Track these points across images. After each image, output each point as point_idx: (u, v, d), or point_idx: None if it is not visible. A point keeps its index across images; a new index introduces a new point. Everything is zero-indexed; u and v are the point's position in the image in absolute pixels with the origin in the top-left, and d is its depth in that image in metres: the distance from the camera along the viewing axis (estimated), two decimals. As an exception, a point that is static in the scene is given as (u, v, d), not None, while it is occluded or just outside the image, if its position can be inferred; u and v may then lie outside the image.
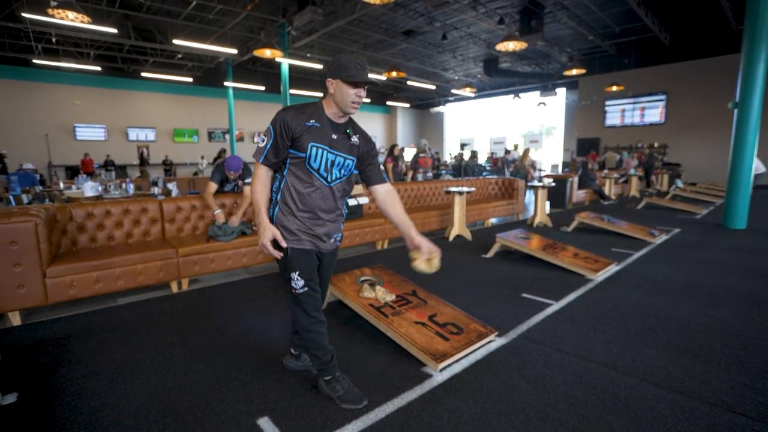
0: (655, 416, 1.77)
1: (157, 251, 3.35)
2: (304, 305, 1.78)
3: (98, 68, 15.28)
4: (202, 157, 16.36)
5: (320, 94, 20.03)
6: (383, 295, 2.74)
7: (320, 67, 15.56)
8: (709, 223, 6.81)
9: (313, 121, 1.68)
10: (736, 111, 6.14)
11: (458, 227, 5.75)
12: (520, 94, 20.58)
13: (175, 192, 6.29)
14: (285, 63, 14.11)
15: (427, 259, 1.73)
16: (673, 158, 16.17)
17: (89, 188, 5.67)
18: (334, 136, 1.71)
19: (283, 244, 1.71)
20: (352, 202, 5.04)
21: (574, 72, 13.45)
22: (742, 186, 6.16)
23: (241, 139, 19.58)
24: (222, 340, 2.50)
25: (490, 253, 4.70)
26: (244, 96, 19.10)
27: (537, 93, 21.05)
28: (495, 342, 2.48)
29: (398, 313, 2.59)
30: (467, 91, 18.75)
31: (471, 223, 6.72)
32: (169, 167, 15.13)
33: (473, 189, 5.98)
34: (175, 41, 11.58)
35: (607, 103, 18.41)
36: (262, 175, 1.71)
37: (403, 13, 13.12)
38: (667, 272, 3.95)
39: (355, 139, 1.78)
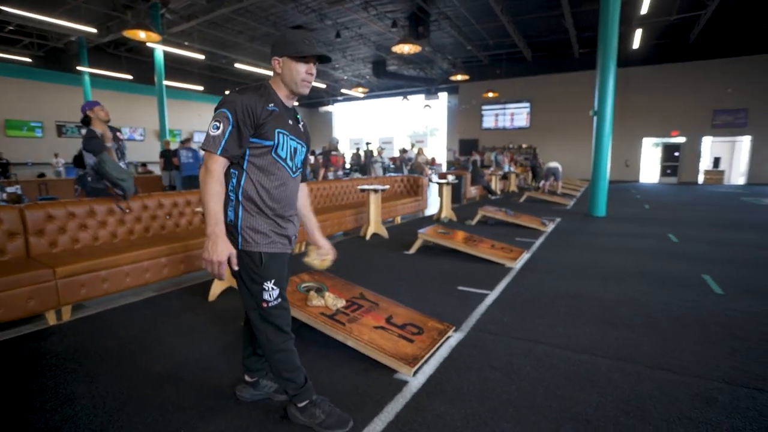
0: (615, 385, 1.93)
1: (24, 274, 2.57)
2: (277, 320, 1.51)
3: None
4: (56, 155, 13.51)
5: (200, 88, 18.23)
6: (333, 301, 2.53)
7: (201, 57, 14.13)
8: (578, 212, 8.00)
9: (272, 104, 1.44)
10: (595, 118, 7.30)
11: (374, 225, 5.72)
12: (408, 97, 21.58)
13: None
14: (159, 49, 12.44)
15: (322, 258, 1.79)
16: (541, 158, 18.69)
17: None
18: (290, 122, 1.52)
19: (235, 268, 1.43)
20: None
21: (459, 77, 14.62)
22: (601, 181, 7.36)
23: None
24: (145, 377, 2.01)
25: (413, 250, 4.76)
26: (107, 85, 16.33)
27: (422, 96, 22.40)
28: (454, 337, 2.47)
29: (354, 320, 2.40)
30: (359, 92, 18.98)
31: (382, 221, 6.76)
32: (4, 168, 12.03)
33: (387, 187, 6.02)
34: (3, 7, 9.20)
35: (484, 107, 20.45)
36: (219, 172, 1.40)
37: (294, 6, 12.64)
38: (567, 257, 4.48)
39: (301, 124, 1.61)
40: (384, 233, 5.70)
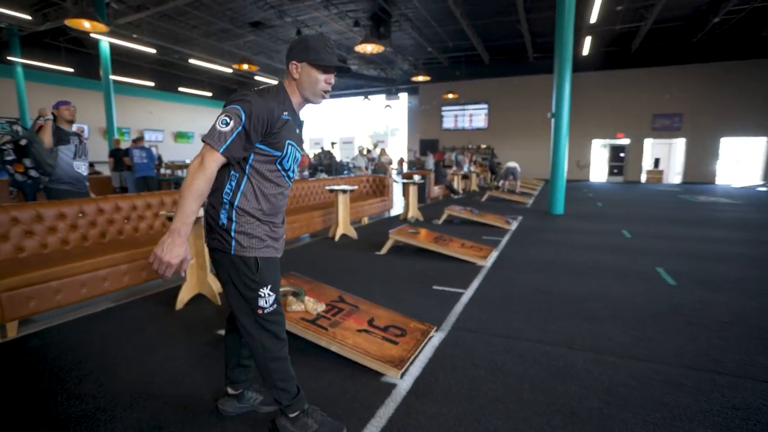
0: (594, 377, 2.01)
1: (-39, 287, 2.30)
2: (274, 328, 1.44)
3: None
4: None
5: (151, 84, 17.28)
6: (313, 305, 2.46)
7: (152, 51, 13.38)
8: (538, 210, 8.33)
9: (287, 113, 1.38)
10: (553, 120, 7.64)
11: (343, 226, 5.65)
12: (369, 97, 21.58)
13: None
14: (105, 41, 11.63)
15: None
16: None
17: None
18: (298, 131, 1.47)
19: (182, 274, 1.34)
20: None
21: (421, 78, 14.80)
22: (559, 180, 7.71)
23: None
24: (113, 396, 1.85)
25: (384, 250, 4.74)
26: (44, 78, 15.06)
27: (383, 96, 22.49)
28: (436, 337, 2.48)
29: (336, 324, 2.35)
30: (320, 91, 18.73)
31: (350, 222, 6.70)
32: None
33: (356, 187, 5.97)
34: None
35: (443, 108, 20.83)
36: (213, 171, 1.28)
37: (252, 2, 12.28)
38: (534, 253, 4.65)
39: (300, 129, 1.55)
40: (353, 234, 5.65)
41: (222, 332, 2.51)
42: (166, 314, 2.82)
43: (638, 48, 16.50)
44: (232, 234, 1.36)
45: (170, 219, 3.35)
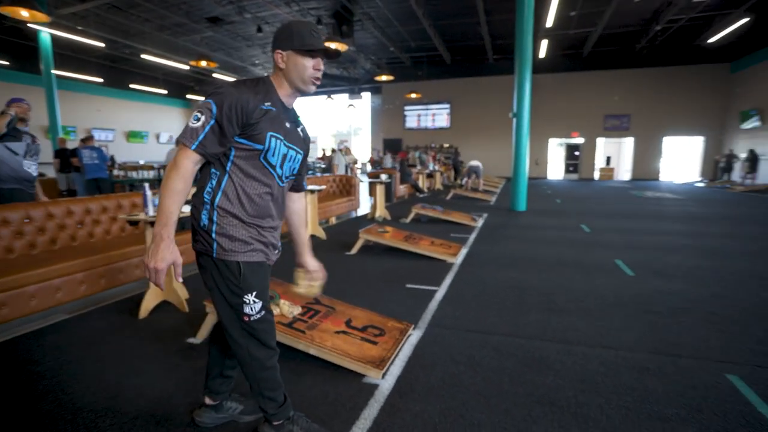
0: (567, 367, 2.09)
1: None
2: (262, 336, 1.38)
3: None
4: None
5: (99, 80, 16.31)
6: (289, 308, 2.40)
7: (100, 45, 12.59)
8: (502, 208, 8.58)
9: (269, 103, 1.30)
10: (514, 120, 7.89)
11: (312, 227, 5.57)
12: (332, 96, 21.40)
13: None
14: (46, 33, 10.81)
15: (310, 284, 1.64)
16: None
17: None
18: (288, 125, 1.38)
19: (179, 279, 1.28)
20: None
21: (384, 78, 14.83)
22: (521, 178, 7.98)
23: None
24: (74, 416, 1.71)
25: (354, 250, 4.72)
26: (-28, 72, 13.79)
27: (346, 95, 22.38)
28: (414, 335, 2.49)
29: (313, 326, 2.31)
30: (282, 89, 18.36)
31: (318, 222, 6.62)
32: None
33: (324, 187, 5.90)
34: None
35: (406, 108, 21.00)
36: (188, 169, 1.22)
37: (210, -4, 11.82)
38: (500, 249, 4.78)
39: (301, 129, 1.47)
40: (322, 234, 5.58)
41: (193, 340, 2.40)
42: (130, 324, 2.65)
43: (590, 52, 17.38)
44: (213, 236, 1.29)
45: (131, 223, 3.17)
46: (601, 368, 2.08)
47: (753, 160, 14.01)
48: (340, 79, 21.77)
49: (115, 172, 12.43)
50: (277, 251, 1.48)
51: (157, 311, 2.83)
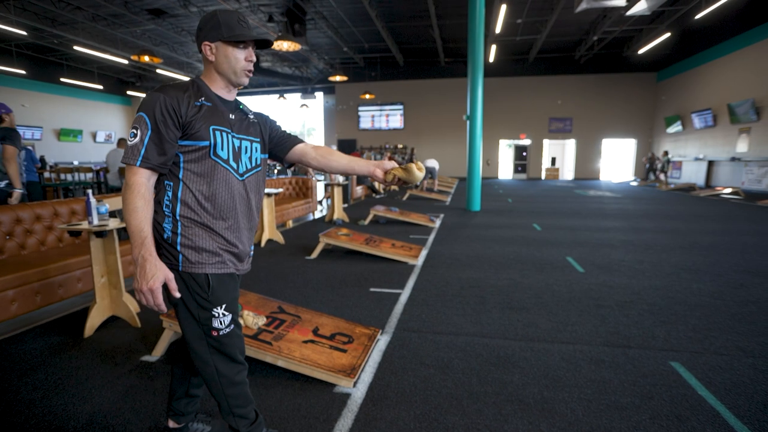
0: (530, 363, 2.18)
1: None
2: (230, 350, 1.30)
3: None
4: None
5: (23, 72, 14.89)
6: (254, 319, 2.31)
7: (22, 33, 11.47)
8: (457, 207, 8.81)
9: (203, 98, 1.24)
10: (468, 122, 8.12)
11: (269, 231, 5.41)
12: (285, 95, 20.94)
13: None
14: (-42, 20, 9.68)
15: (403, 168, 1.45)
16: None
17: None
18: (232, 116, 1.31)
19: (176, 295, 1.21)
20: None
21: (338, 78, 14.71)
22: (475, 179, 8.23)
23: None
24: (12, 450, 1.54)
25: (314, 254, 4.64)
26: None
27: (298, 95, 21.98)
28: (381, 340, 2.49)
29: (280, 337, 2.24)
30: (232, 87, 17.69)
31: (276, 226, 6.45)
32: None
33: (281, 190, 5.75)
34: None
35: (360, 108, 20.99)
36: (142, 186, 1.15)
37: (151, -13, 11.13)
38: (459, 249, 4.90)
39: (252, 116, 1.41)
40: (280, 239, 5.43)
41: (148, 358, 2.25)
42: (74, 344, 2.43)
43: (536, 58, 18.31)
44: (179, 248, 1.21)
45: (71, 234, 2.91)
46: (562, 363, 2.19)
47: (666, 162, 15.43)
48: (292, 78, 21.34)
49: (46, 174, 11.38)
50: (247, 260, 1.41)
51: (104, 328, 2.61)
